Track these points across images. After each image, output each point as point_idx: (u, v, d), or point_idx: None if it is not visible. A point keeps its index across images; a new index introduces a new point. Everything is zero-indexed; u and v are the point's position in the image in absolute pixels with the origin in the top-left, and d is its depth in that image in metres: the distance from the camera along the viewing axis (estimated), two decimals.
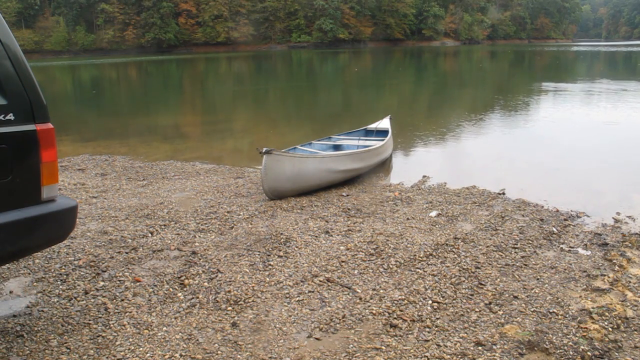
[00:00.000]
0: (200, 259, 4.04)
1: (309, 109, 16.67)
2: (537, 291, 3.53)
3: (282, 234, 4.54)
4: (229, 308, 3.31)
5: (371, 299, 3.41)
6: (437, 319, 3.17)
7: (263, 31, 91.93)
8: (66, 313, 3.23)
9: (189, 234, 4.65)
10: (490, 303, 3.36)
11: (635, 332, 3.02)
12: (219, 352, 2.85)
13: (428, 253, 4.15)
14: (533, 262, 4.04)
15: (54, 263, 3.96)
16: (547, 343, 2.87)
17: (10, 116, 2.51)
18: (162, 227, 4.84)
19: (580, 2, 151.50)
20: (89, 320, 3.15)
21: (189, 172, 7.32)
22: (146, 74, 39.28)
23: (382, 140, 7.60)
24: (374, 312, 3.24)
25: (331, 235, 4.58)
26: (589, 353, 2.79)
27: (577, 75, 29.14)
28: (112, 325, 3.10)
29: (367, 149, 6.89)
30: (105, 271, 3.84)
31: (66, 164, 7.96)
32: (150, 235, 4.62)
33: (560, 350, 2.82)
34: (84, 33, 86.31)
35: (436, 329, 3.06)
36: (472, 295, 3.48)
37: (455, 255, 4.13)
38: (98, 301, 3.38)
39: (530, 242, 4.47)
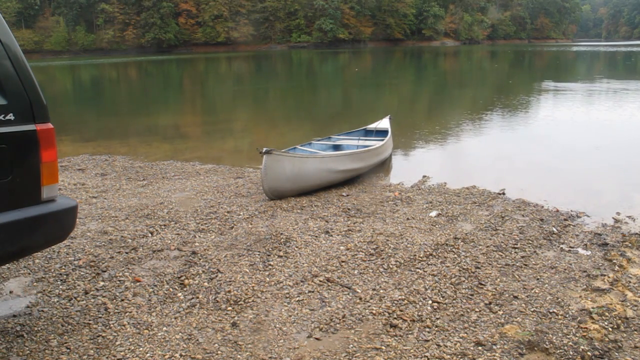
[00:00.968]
0: (200, 259, 4.04)
1: (309, 109, 16.67)
2: (537, 291, 3.53)
3: (282, 234, 4.54)
4: (229, 308, 3.31)
5: (371, 299, 3.41)
6: (437, 319, 3.17)
7: (263, 31, 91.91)
8: (66, 313, 3.23)
9: (189, 234, 4.65)
10: (490, 303, 3.36)
11: (635, 332, 3.02)
12: (219, 352, 2.85)
13: (428, 253, 4.15)
14: (533, 262, 4.04)
15: (54, 263, 3.96)
16: (547, 343, 2.87)
17: (10, 116, 2.51)
18: (162, 227, 4.84)
19: (580, 2, 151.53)
20: (89, 320, 3.15)
21: (189, 172, 7.32)
22: (146, 74, 39.28)
23: (382, 140, 7.60)
24: (374, 312, 3.24)
25: (331, 235, 4.58)
26: (589, 353, 2.79)
27: (577, 75, 29.15)
28: (112, 325, 3.10)
29: (367, 149, 6.89)
30: (105, 271, 3.84)
31: (66, 164, 7.96)
32: (150, 235, 4.62)
33: (560, 350, 2.82)
34: (84, 33, 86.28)
35: (436, 329, 3.06)
36: (472, 295, 3.48)
37: (455, 255, 4.13)
38: (98, 301, 3.38)
39: (530, 242, 4.47)
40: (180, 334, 3.02)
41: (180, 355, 2.82)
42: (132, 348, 2.88)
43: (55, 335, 2.97)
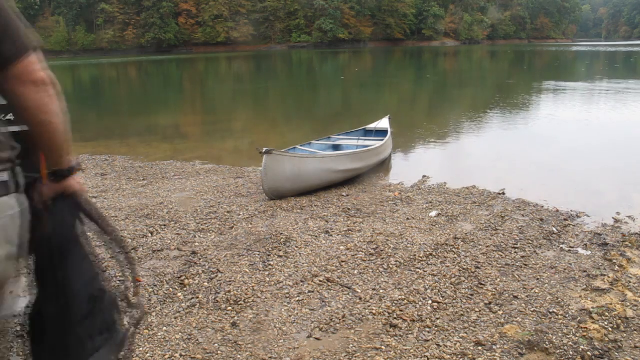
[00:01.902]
0: (200, 259, 4.04)
1: (309, 109, 16.67)
2: (537, 291, 3.53)
3: (282, 234, 4.54)
4: (229, 308, 3.31)
5: (371, 299, 3.41)
6: (437, 319, 3.17)
7: (263, 31, 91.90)
8: None
9: (189, 234, 4.65)
10: (490, 303, 3.36)
11: (635, 332, 3.02)
12: (219, 352, 2.85)
13: (428, 253, 4.15)
14: (533, 262, 4.04)
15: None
16: (547, 343, 2.87)
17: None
18: (162, 227, 4.84)
19: (580, 2, 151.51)
20: None
21: (189, 172, 7.32)
22: (146, 74, 39.29)
23: (382, 140, 7.60)
24: (374, 312, 3.24)
25: (331, 235, 4.58)
26: (589, 353, 2.79)
27: (577, 74, 29.15)
28: None
29: (366, 149, 6.89)
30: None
31: None
32: (150, 235, 4.62)
33: (560, 350, 2.82)
34: (84, 33, 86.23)
35: (436, 329, 3.06)
36: (472, 295, 3.48)
37: (455, 255, 4.13)
38: None
39: (530, 242, 4.47)
40: (180, 334, 3.03)
41: (180, 355, 2.82)
42: (132, 348, 2.87)
43: None
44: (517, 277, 3.77)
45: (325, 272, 3.80)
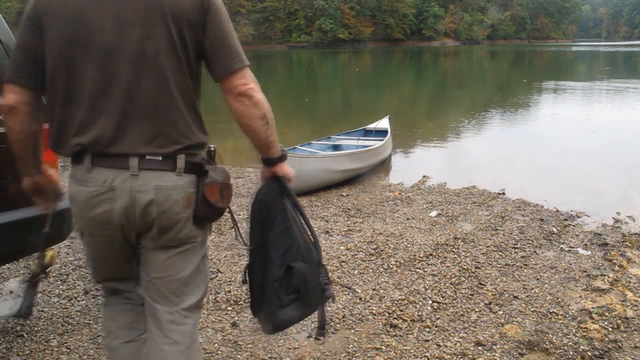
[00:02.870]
0: None
1: (309, 109, 16.66)
2: (537, 291, 3.53)
3: None
4: (229, 308, 3.30)
5: (371, 299, 3.41)
6: (437, 319, 3.17)
7: (263, 31, 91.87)
8: (66, 313, 3.23)
9: None
10: (490, 303, 3.36)
11: (635, 332, 3.02)
12: (219, 352, 2.85)
13: (428, 253, 4.15)
14: (533, 262, 4.04)
15: (54, 263, 3.96)
16: (547, 343, 2.87)
17: None
18: None
19: (580, 2, 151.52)
20: (89, 320, 3.15)
21: None
22: None
23: (382, 140, 7.60)
24: (374, 312, 3.23)
25: (331, 235, 4.58)
26: (589, 353, 2.79)
27: (577, 74, 29.16)
28: None
29: (366, 149, 6.89)
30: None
31: (66, 164, 7.95)
32: None
33: (560, 350, 2.82)
34: None
35: (436, 329, 3.06)
36: (472, 295, 3.48)
37: (455, 255, 4.13)
38: (98, 301, 3.38)
39: (530, 242, 4.47)
40: None
41: None
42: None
43: (55, 335, 2.97)
44: (517, 277, 3.77)
45: None
